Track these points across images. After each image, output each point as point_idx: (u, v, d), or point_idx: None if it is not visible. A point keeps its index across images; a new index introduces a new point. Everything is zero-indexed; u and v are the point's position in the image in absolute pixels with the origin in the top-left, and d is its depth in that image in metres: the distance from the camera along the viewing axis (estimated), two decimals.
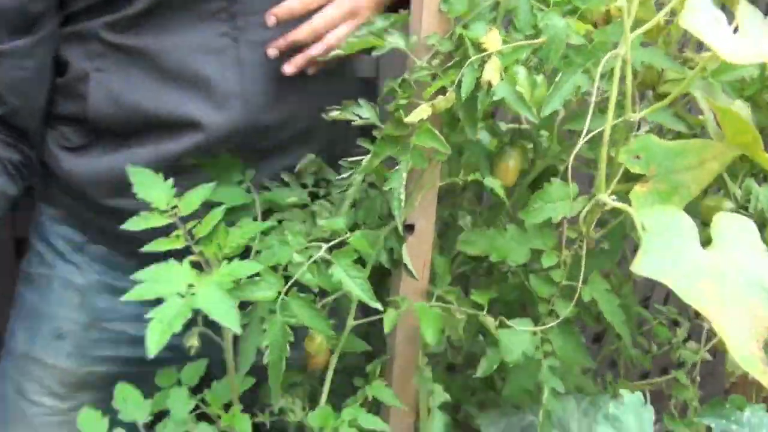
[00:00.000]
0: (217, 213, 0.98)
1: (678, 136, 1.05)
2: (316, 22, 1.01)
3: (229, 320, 0.80)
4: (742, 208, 1.10)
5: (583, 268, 0.97)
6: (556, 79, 0.94)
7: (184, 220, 0.96)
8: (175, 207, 0.97)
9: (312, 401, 1.13)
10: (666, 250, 0.82)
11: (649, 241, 0.82)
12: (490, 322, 1.00)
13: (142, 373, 1.05)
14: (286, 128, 1.09)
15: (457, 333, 1.07)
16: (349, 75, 1.24)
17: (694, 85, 0.95)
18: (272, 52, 1.02)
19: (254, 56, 1.03)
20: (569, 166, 0.93)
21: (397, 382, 1.15)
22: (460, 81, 0.88)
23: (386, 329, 1.03)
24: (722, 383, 1.75)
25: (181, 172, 1.02)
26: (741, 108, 0.99)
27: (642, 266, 0.80)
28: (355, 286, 0.96)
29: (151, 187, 0.99)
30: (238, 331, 0.82)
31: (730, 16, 0.88)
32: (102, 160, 1.07)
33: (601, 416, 0.86)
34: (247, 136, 1.05)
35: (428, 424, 1.13)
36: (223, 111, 1.01)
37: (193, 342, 1.01)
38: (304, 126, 1.10)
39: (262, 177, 1.11)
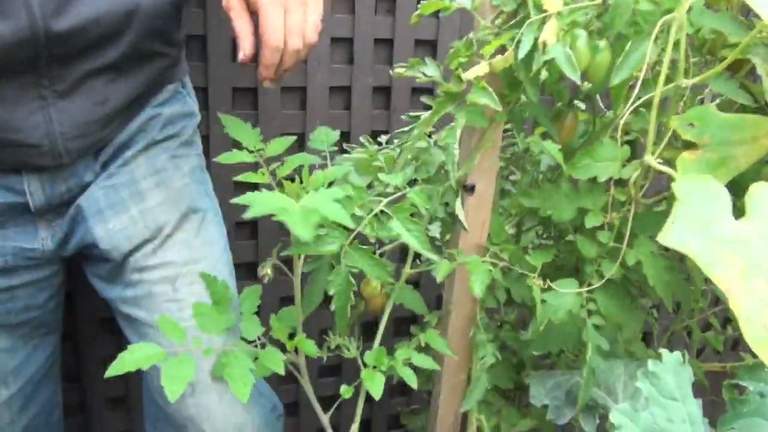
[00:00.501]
0: (301, 157, 1.07)
1: (743, 109, 1.05)
2: (293, 44, 1.00)
3: (341, 216, 0.86)
4: None
5: (628, 231, 1.00)
6: (626, 47, 0.96)
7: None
8: (261, 149, 1.08)
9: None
10: (694, 219, 0.84)
11: (680, 210, 0.84)
12: (535, 282, 1.05)
13: None
14: (84, 35, 0.97)
15: (501, 289, 1.13)
16: None
17: (752, 50, 0.95)
18: (267, 84, 1.04)
19: None
20: (619, 128, 0.96)
21: (453, 334, 1.21)
22: (519, 41, 0.92)
23: (438, 279, 1.09)
24: None
25: None
26: None
27: (667, 235, 0.83)
28: (412, 238, 1.02)
29: (242, 132, 1.10)
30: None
31: None
32: None
33: (640, 373, 0.89)
34: (38, 46, 0.94)
35: (473, 384, 1.19)
36: (9, 20, 0.92)
37: (266, 271, 1.11)
38: (110, 29, 1.00)
39: (64, 83, 1.00)
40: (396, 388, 1.94)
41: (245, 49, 1.00)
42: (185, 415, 1.16)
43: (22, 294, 1.14)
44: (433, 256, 1.06)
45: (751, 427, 0.88)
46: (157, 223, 1.15)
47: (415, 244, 1.02)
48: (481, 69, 0.92)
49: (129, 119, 1.12)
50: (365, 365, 1.13)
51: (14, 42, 0.92)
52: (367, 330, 1.54)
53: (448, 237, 1.23)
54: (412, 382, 1.12)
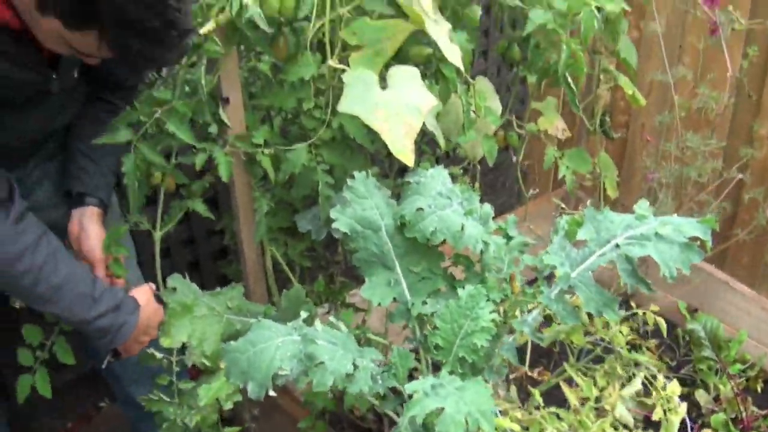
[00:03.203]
0: None
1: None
2: None
3: None
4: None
5: (330, 107, 1.60)
6: None
7: None
8: None
9: None
10: (356, 94, 1.45)
11: (347, 90, 1.45)
12: (270, 155, 1.63)
13: None
14: None
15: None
16: None
17: None
18: None
19: None
20: (309, 42, 1.54)
21: (240, 198, 1.78)
22: (231, 3, 1.46)
23: (222, 174, 1.64)
24: None
25: None
26: None
27: (343, 106, 1.44)
28: (183, 134, 1.59)
29: None
30: None
31: None
32: None
33: (344, 187, 1.52)
34: None
35: (257, 226, 1.78)
36: None
37: None
38: None
39: None
40: (217, 254, 2.53)
41: None
42: None
43: None
44: (194, 142, 1.60)
45: (414, 200, 1.52)
46: None
47: (186, 137, 1.58)
48: (210, 25, 1.46)
49: None
50: None
51: None
52: None
53: None
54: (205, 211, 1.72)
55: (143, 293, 1.63)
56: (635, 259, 1.45)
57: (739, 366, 2.17)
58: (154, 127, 1.58)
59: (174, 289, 1.66)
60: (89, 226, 1.64)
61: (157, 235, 1.74)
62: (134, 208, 1.67)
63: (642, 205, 1.55)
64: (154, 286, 1.69)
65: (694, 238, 1.47)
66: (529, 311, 1.51)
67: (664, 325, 1.78)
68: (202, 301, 1.62)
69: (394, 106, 1.47)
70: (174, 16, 1.24)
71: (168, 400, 1.65)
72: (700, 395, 2.10)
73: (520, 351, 2.01)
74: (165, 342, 1.60)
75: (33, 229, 1.44)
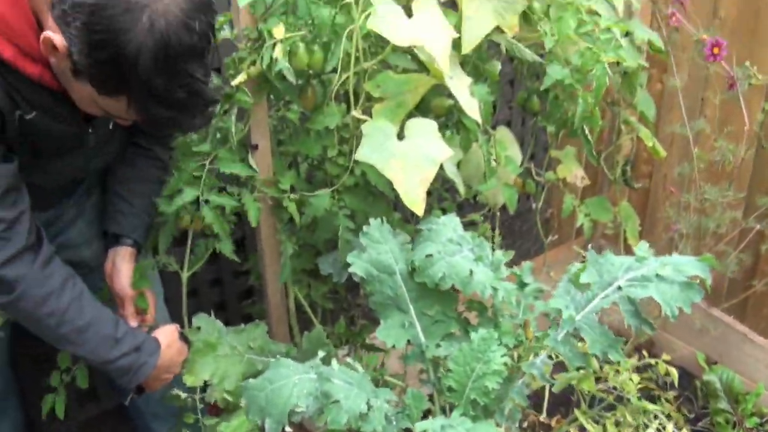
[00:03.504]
0: None
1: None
2: None
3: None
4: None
5: (353, 154, 1.67)
6: (332, 47, 1.61)
7: None
8: None
9: None
10: (374, 144, 1.52)
11: (365, 140, 1.52)
12: (295, 200, 1.71)
13: None
14: None
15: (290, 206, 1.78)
16: None
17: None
18: None
19: None
20: (334, 93, 1.62)
21: (266, 240, 1.85)
22: (262, 57, 1.55)
23: (252, 221, 1.72)
24: None
25: None
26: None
27: (361, 155, 1.51)
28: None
29: None
30: None
31: None
32: None
33: (361, 233, 1.58)
34: None
35: (282, 268, 1.85)
36: None
37: None
38: None
39: None
40: (243, 294, 2.61)
41: None
42: None
43: None
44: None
45: (424, 246, 1.58)
46: None
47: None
48: (241, 77, 1.55)
49: None
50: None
51: None
52: None
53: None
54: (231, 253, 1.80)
55: (167, 334, 1.69)
56: (637, 300, 1.49)
57: (756, 419, 2.17)
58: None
59: (199, 328, 1.73)
60: (122, 264, 1.72)
61: (185, 275, 1.82)
62: (162, 249, 1.74)
63: (642, 247, 1.59)
64: (178, 327, 1.75)
65: (695, 277, 1.51)
66: (537, 355, 1.55)
67: (675, 375, 1.81)
68: (225, 340, 1.68)
69: (409, 157, 1.54)
70: (199, 87, 1.30)
71: None
72: None
73: (538, 398, 2.05)
74: (189, 380, 1.67)
75: (59, 273, 1.50)
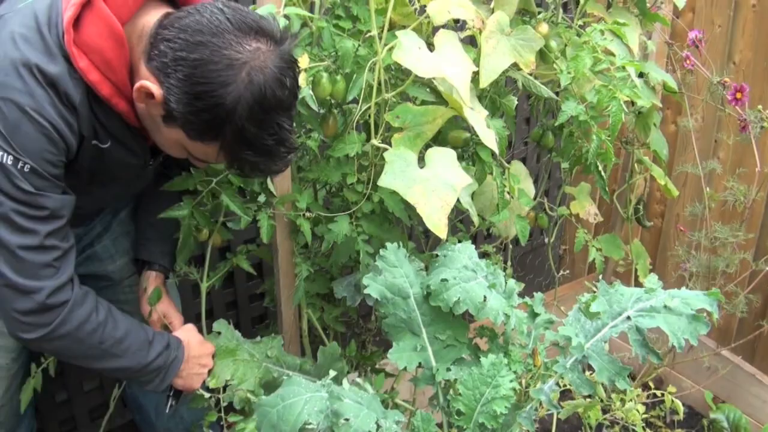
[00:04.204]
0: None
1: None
2: None
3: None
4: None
5: (371, 182, 1.72)
6: (354, 77, 1.67)
7: None
8: None
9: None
10: (396, 170, 1.57)
11: (388, 167, 1.57)
12: (304, 216, 1.76)
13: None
14: None
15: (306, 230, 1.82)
16: None
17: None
18: None
19: None
20: (355, 122, 1.68)
21: (282, 262, 1.90)
22: None
23: (264, 236, 1.77)
24: None
25: None
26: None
27: (384, 181, 1.56)
28: (231, 203, 1.74)
29: None
30: None
31: None
32: None
33: (378, 257, 1.63)
34: None
35: (296, 290, 1.90)
36: None
37: None
38: None
39: None
40: (257, 319, 2.65)
41: None
42: None
43: None
44: (242, 213, 1.75)
45: (440, 271, 1.62)
46: None
47: (235, 208, 1.74)
48: None
49: None
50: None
51: None
52: None
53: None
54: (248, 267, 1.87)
55: (185, 329, 1.78)
56: (645, 330, 1.52)
57: None
58: (209, 197, 1.73)
59: (218, 333, 1.79)
60: (150, 288, 1.82)
61: (203, 286, 1.87)
62: (182, 261, 1.81)
63: (651, 280, 1.62)
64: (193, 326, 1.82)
65: (702, 310, 1.54)
66: (545, 382, 1.58)
67: (681, 407, 1.83)
68: (243, 347, 1.73)
69: (431, 183, 1.58)
70: (285, 136, 1.43)
71: None
72: None
73: (545, 427, 2.07)
74: (210, 382, 1.73)
75: (90, 291, 1.55)
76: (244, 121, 1.36)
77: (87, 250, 1.84)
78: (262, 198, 1.86)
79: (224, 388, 1.74)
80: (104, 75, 1.39)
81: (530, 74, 1.89)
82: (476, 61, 1.72)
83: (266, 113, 1.38)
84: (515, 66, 1.81)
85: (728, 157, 2.62)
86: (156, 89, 1.37)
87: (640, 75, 2.10)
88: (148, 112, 1.44)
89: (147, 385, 1.66)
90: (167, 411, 1.78)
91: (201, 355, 1.73)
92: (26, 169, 1.35)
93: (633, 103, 2.10)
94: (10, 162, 1.33)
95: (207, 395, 1.76)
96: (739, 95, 2.17)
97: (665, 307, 1.52)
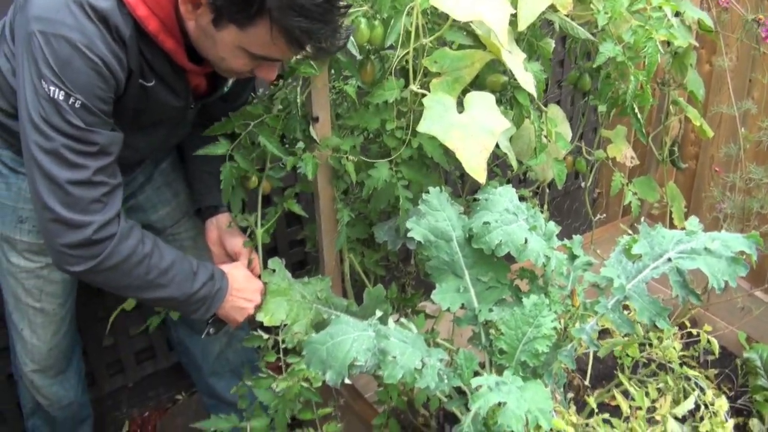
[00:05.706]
0: None
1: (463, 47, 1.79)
2: None
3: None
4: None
5: (411, 128, 1.74)
6: (392, 23, 1.68)
7: None
8: None
9: None
10: (435, 116, 1.59)
11: (426, 112, 1.59)
12: (348, 159, 1.79)
13: None
14: None
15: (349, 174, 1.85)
16: None
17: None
18: None
19: None
20: (393, 68, 1.69)
21: (323, 208, 1.93)
22: None
23: (309, 173, 1.81)
24: None
25: None
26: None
27: (423, 126, 1.58)
28: (272, 147, 1.78)
29: None
30: None
31: None
32: None
33: (420, 201, 1.66)
34: None
35: (338, 235, 1.94)
36: None
37: None
38: None
39: None
40: (297, 265, 2.71)
41: None
42: None
43: None
44: (282, 154, 1.80)
45: (482, 214, 1.65)
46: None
47: (273, 150, 1.77)
48: None
49: None
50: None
51: None
52: None
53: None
54: (299, 210, 1.92)
55: (233, 266, 1.83)
56: (686, 271, 1.55)
57: None
58: (247, 140, 1.77)
59: (273, 270, 1.85)
60: (228, 228, 1.90)
61: (259, 231, 1.91)
62: (235, 210, 1.87)
63: (692, 222, 1.64)
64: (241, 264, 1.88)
65: (741, 252, 1.56)
66: (586, 321, 1.62)
67: (716, 345, 1.86)
68: (295, 287, 1.78)
69: (469, 128, 1.60)
70: None
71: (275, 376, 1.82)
72: (754, 424, 2.15)
73: (582, 366, 2.11)
74: (265, 319, 1.77)
75: (136, 224, 1.60)
76: None
77: (130, 201, 1.89)
78: (300, 145, 1.89)
79: (276, 329, 1.79)
80: (152, 10, 1.41)
81: (567, 15, 1.88)
82: (513, 4, 1.72)
83: None
84: (552, 8, 1.81)
85: (763, 96, 2.60)
86: None
87: (676, 14, 2.08)
88: (200, 27, 1.45)
89: (192, 314, 1.71)
90: (203, 337, 1.84)
91: (246, 289, 1.78)
92: (77, 104, 1.38)
93: (669, 44, 2.09)
94: (61, 97, 1.36)
95: (265, 336, 1.81)
96: None
97: (705, 249, 1.54)
